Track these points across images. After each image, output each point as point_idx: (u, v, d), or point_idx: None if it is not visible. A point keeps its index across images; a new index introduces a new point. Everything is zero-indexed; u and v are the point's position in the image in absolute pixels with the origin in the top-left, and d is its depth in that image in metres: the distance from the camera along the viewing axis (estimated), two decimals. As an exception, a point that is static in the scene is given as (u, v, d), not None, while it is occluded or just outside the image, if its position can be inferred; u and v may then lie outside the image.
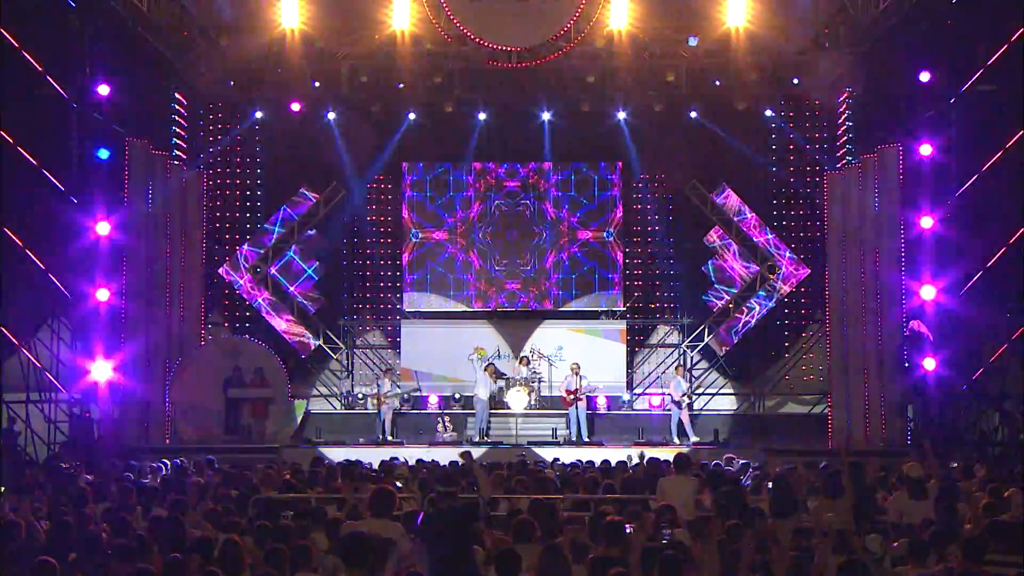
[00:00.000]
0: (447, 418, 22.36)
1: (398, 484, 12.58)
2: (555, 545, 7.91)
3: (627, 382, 23.88)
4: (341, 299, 24.64)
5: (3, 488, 12.72)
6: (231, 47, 21.70)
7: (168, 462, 15.49)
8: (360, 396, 23.68)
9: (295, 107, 22.90)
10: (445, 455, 16.67)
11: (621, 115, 23.41)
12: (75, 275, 20.20)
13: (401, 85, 22.17)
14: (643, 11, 21.02)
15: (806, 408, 23.79)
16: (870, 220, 20.91)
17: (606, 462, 15.81)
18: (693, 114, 23.06)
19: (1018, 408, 19.00)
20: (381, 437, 21.59)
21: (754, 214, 24.06)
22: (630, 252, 24.69)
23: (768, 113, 23.40)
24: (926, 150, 19.89)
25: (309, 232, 24.27)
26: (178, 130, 22.69)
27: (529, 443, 20.86)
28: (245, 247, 24.13)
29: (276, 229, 24.18)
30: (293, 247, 24.21)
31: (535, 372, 23.10)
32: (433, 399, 23.38)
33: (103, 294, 20.12)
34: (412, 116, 23.46)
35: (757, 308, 24.02)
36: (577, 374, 21.63)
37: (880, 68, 21.00)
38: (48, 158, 19.80)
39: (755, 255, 24.06)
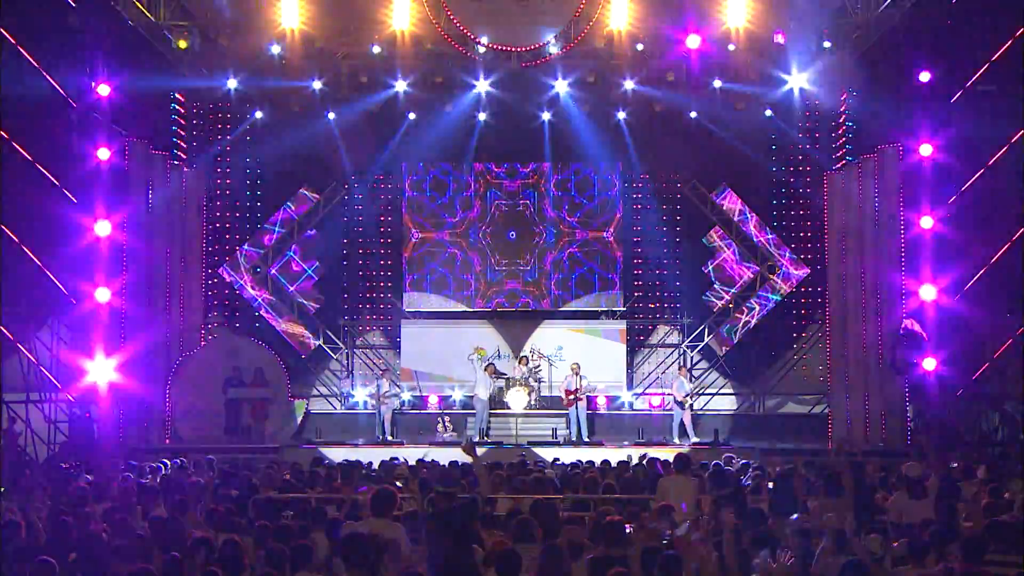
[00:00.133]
0: (447, 418, 22.36)
1: (398, 484, 12.58)
2: (555, 545, 7.91)
3: (627, 382, 23.88)
4: (341, 299, 24.64)
5: (3, 488, 12.71)
6: (231, 47, 21.69)
7: (168, 462, 15.48)
8: (356, 399, 23.65)
9: (295, 107, 22.88)
10: (445, 455, 16.67)
11: (621, 115, 23.40)
12: (75, 275, 20.21)
13: (401, 85, 22.15)
14: (643, 11, 21.02)
15: (806, 408, 23.79)
16: (870, 220, 20.91)
17: (606, 462, 15.82)
18: (693, 114, 23.05)
19: (1018, 408, 19.02)
20: (381, 437, 21.59)
21: (754, 214, 24.06)
22: (630, 252, 24.68)
23: (768, 113, 23.40)
24: (926, 150, 19.90)
25: (309, 232, 24.28)
26: (178, 130, 22.69)
27: (529, 443, 20.86)
28: (245, 247, 24.13)
29: (276, 229, 24.19)
30: (293, 247, 24.21)
31: (535, 372, 23.10)
32: (433, 399, 23.37)
33: (103, 294, 20.12)
34: (412, 116, 23.45)
35: (757, 308, 24.01)
36: (577, 374, 21.64)
37: (880, 68, 21.00)
38: (48, 158, 19.81)
39: (755, 255, 24.06)
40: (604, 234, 24.44)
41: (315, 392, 24.19)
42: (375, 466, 15.37)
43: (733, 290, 24.06)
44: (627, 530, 9.04)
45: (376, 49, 21.56)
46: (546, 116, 23.58)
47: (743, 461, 16.01)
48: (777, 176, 24.25)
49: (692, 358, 24.23)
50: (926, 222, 19.91)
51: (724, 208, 24.14)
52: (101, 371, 19.95)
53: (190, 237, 22.50)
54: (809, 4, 21.26)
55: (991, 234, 19.99)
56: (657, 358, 24.57)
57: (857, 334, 21.15)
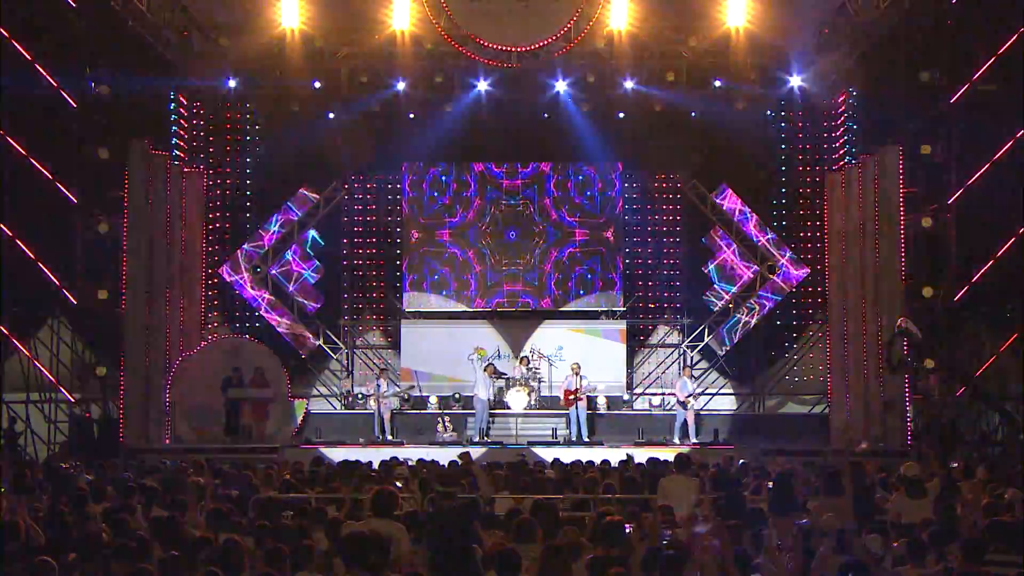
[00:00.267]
0: (447, 418, 22.35)
1: (398, 484, 12.58)
2: (555, 545, 7.91)
3: (627, 382, 23.87)
4: (341, 299, 24.63)
5: (3, 488, 12.70)
6: (231, 47, 21.70)
7: (168, 462, 15.48)
8: (360, 396, 23.64)
9: (295, 107, 22.88)
10: (445, 455, 16.67)
11: (621, 115, 23.40)
12: (75, 275, 20.24)
13: (401, 85, 22.16)
14: (643, 11, 21.02)
15: (806, 408, 23.79)
16: (870, 220, 20.90)
17: (606, 462, 15.81)
18: (693, 114, 23.04)
19: (1018, 408, 19.03)
20: (380, 437, 21.59)
21: (754, 214, 24.06)
22: (630, 252, 24.67)
23: (768, 113, 23.39)
24: (926, 150, 19.90)
25: (309, 232, 24.27)
26: (178, 130, 22.69)
27: (529, 443, 20.85)
28: (245, 247, 24.13)
29: (276, 229, 24.18)
30: (293, 247, 24.21)
31: (535, 372, 23.09)
32: (433, 399, 23.37)
33: (103, 294, 20.15)
34: (412, 116, 23.45)
35: (757, 308, 24.01)
36: (577, 374, 21.63)
37: (880, 68, 21.01)
38: (48, 158, 19.84)
39: (755, 255, 24.06)
40: (604, 234, 24.43)
41: (315, 392, 24.18)
42: (375, 466, 15.37)
43: (733, 290, 24.06)
44: (627, 530, 9.04)
45: (376, 49, 21.56)
46: (546, 116, 23.56)
47: (743, 461, 16.03)
48: (777, 176, 24.23)
49: (692, 358, 24.21)
50: (926, 222, 19.92)
51: (724, 208, 24.13)
52: (101, 371, 19.98)
53: (190, 237, 22.49)
54: (809, 4, 21.28)
55: (990, 234, 20.01)
56: (657, 358, 24.56)
57: (857, 334, 21.14)
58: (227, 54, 21.76)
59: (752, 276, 24.05)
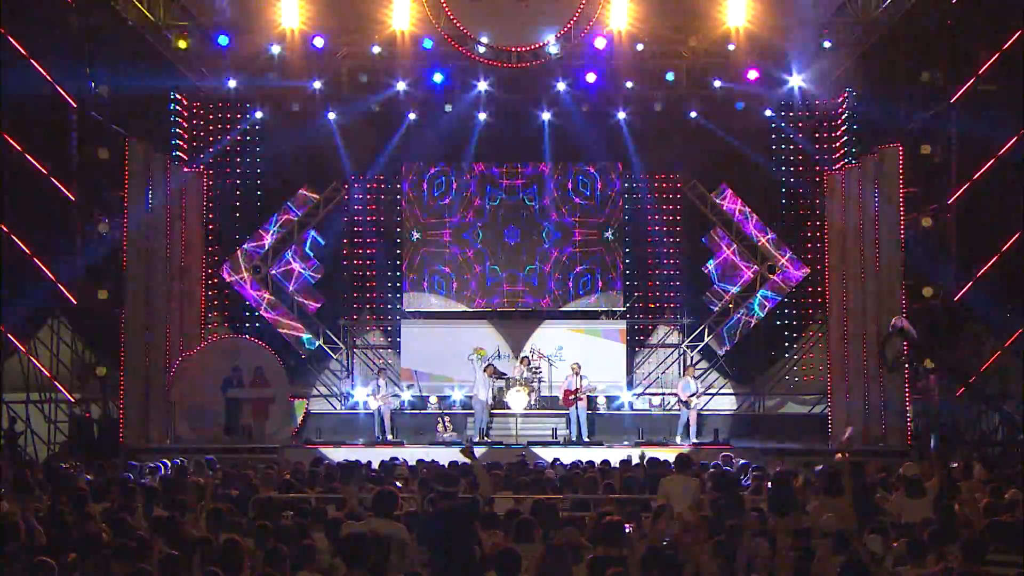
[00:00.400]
0: (447, 418, 22.35)
1: (398, 484, 12.59)
2: (555, 545, 7.92)
3: (627, 382, 23.87)
4: (341, 299, 24.62)
5: (3, 488, 12.71)
6: (231, 47, 21.70)
7: (168, 462, 15.48)
8: (350, 397, 23.61)
9: (295, 107, 22.88)
10: (445, 455, 16.67)
11: (621, 115, 23.39)
12: (75, 275, 20.24)
13: (401, 85, 22.16)
14: (643, 11, 21.02)
15: (806, 408, 23.78)
16: (870, 220, 20.89)
17: (606, 462, 15.81)
18: (693, 114, 23.04)
19: (1018, 408, 19.04)
20: (381, 437, 21.59)
21: (754, 214, 24.06)
22: (630, 252, 24.66)
23: (768, 113, 23.39)
24: (926, 150, 19.90)
25: (309, 232, 24.28)
26: (178, 130, 22.70)
27: (529, 443, 20.84)
28: (245, 247, 24.13)
29: (276, 229, 24.18)
30: (293, 247, 24.21)
31: (535, 372, 23.09)
32: (433, 399, 23.36)
33: (103, 294, 20.15)
34: (412, 116, 23.45)
35: (758, 310, 24.01)
36: (578, 374, 21.62)
37: (880, 68, 21.02)
38: (48, 158, 19.84)
39: (755, 255, 24.06)
40: (604, 234, 24.43)
41: (315, 392, 24.18)
42: (375, 466, 15.38)
43: (733, 290, 24.06)
44: (627, 530, 9.04)
45: (376, 49, 21.57)
46: (546, 116, 23.57)
47: (743, 461, 16.03)
48: (777, 176, 24.23)
49: (692, 358, 24.21)
50: (926, 222, 19.92)
51: (724, 208, 24.13)
52: (101, 371, 19.98)
53: (190, 237, 22.48)
54: (809, 4, 21.28)
55: (990, 234, 20.01)
56: (657, 358, 24.56)
57: (857, 334, 21.14)
58: (227, 54, 21.76)
59: (752, 276, 24.05)
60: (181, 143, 22.74)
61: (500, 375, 22.84)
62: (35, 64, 19.07)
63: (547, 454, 18.86)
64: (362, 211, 24.77)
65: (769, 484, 12.32)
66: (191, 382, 21.50)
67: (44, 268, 19.71)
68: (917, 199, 20.34)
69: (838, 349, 21.93)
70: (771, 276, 23.98)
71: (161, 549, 8.45)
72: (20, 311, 19.70)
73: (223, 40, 21.40)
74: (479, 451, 18.78)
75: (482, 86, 22.26)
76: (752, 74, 21.52)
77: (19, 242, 19.30)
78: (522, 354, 23.32)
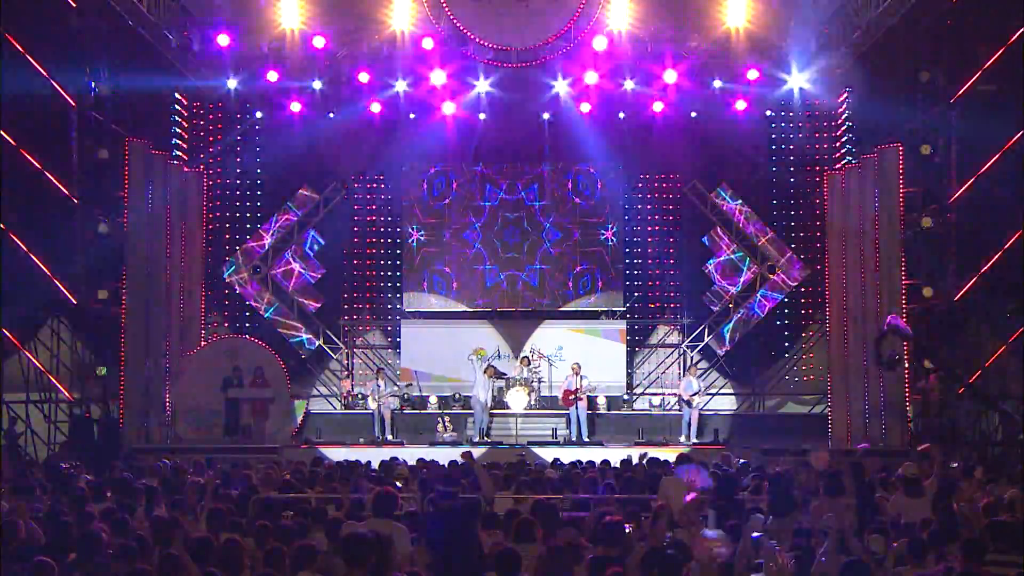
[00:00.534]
0: (447, 418, 22.35)
1: (398, 484, 12.58)
2: (556, 545, 7.91)
3: (627, 382, 23.87)
4: (341, 299, 24.63)
5: (3, 488, 12.72)
6: (231, 47, 21.70)
7: (168, 462, 15.48)
8: (360, 396, 23.61)
9: (295, 107, 22.88)
10: (445, 455, 16.67)
11: (620, 115, 23.40)
12: (75, 275, 20.23)
13: (401, 85, 22.15)
14: (643, 11, 21.04)
15: (806, 408, 23.79)
16: (870, 220, 20.89)
17: (606, 462, 15.81)
18: (693, 114, 23.04)
19: (1018, 408, 19.02)
20: (381, 437, 21.59)
21: (755, 214, 24.06)
22: (630, 252, 24.67)
23: (768, 113, 23.38)
24: (926, 150, 19.89)
25: (309, 232, 24.28)
26: (178, 130, 22.70)
27: (529, 443, 20.86)
28: (245, 247, 24.13)
29: (276, 229, 24.18)
30: (293, 247, 24.21)
31: (535, 372, 23.09)
32: (433, 399, 23.36)
33: (103, 294, 20.15)
34: (412, 116, 23.45)
35: (758, 310, 24.01)
36: (578, 374, 21.63)
37: (880, 68, 21.01)
38: (48, 158, 19.82)
39: (755, 255, 24.06)
40: (604, 234, 24.43)
41: (315, 392, 24.18)
42: (375, 466, 15.38)
43: (733, 290, 24.06)
44: (627, 530, 9.04)
45: (376, 49, 21.56)
46: (546, 116, 23.57)
47: (742, 461, 16.03)
48: (777, 176, 24.24)
49: (692, 358, 24.21)
50: (926, 222, 19.91)
51: (724, 208, 24.14)
52: (101, 371, 19.97)
53: (190, 237, 22.48)
54: (809, 4, 21.28)
55: (990, 234, 19.99)
56: (657, 358, 24.57)
57: (857, 334, 21.12)
58: (227, 54, 21.75)
59: (752, 276, 24.05)
60: (181, 143, 22.76)
61: (500, 375, 22.85)
62: (35, 64, 19.04)
63: (547, 454, 18.85)
64: (362, 211, 24.77)
65: (768, 484, 12.32)
66: (191, 382, 21.50)
67: (44, 268, 19.69)
68: (917, 199, 20.33)
69: (838, 349, 21.92)
70: (771, 276, 23.99)
71: (161, 549, 8.44)
72: (20, 311, 19.68)
73: (223, 40, 21.46)
74: (479, 451, 18.84)
75: (482, 86, 22.26)
76: (752, 74, 21.58)
77: (19, 242, 19.28)
78: (522, 354, 23.33)
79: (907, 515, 10.56)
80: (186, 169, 22.65)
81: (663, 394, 23.86)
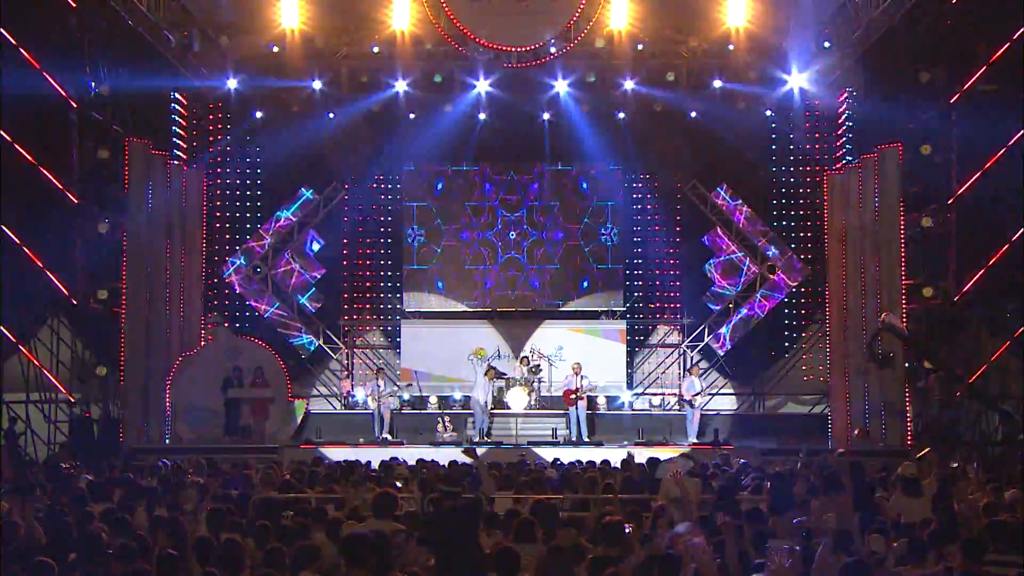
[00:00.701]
0: (447, 418, 22.34)
1: (398, 484, 12.58)
2: (556, 545, 7.91)
3: (627, 382, 23.87)
4: (341, 299, 24.63)
5: (3, 488, 12.71)
6: (231, 47, 21.70)
7: (168, 462, 15.48)
8: (352, 399, 23.59)
9: (295, 107, 22.87)
10: (445, 455, 16.67)
11: (621, 115, 23.40)
12: (75, 275, 20.22)
13: (401, 85, 22.14)
14: (643, 11, 21.03)
15: (806, 408, 23.79)
16: (870, 220, 20.89)
17: (606, 462, 15.79)
18: (693, 114, 23.04)
19: (1018, 408, 19.01)
20: (381, 437, 21.58)
21: (755, 215, 24.05)
22: (630, 252, 24.67)
23: (768, 113, 23.39)
24: (926, 150, 19.89)
25: (309, 232, 24.28)
26: (178, 130, 22.69)
27: (529, 443, 20.84)
28: (245, 246, 24.13)
29: (276, 229, 24.17)
30: (293, 247, 24.21)
31: (536, 372, 23.08)
32: (433, 399, 23.36)
33: (103, 294, 20.14)
34: (412, 116, 23.44)
35: (758, 310, 24.00)
36: (578, 374, 21.62)
37: (880, 68, 21.00)
38: (48, 158, 19.81)
39: (755, 255, 24.06)
40: (604, 234, 24.43)
41: (315, 392, 24.17)
42: (375, 466, 15.37)
43: (733, 290, 24.05)
44: (627, 530, 9.04)
45: (376, 49, 21.57)
46: (546, 116, 23.56)
47: (742, 461, 16.03)
48: (777, 176, 24.23)
49: (692, 358, 24.21)
50: (926, 222, 19.90)
51: (724, 208, 24.14)
52: (101, 371, 19.96)
53: (190, 237, 22.48)
54: (809, 4, 21.27)
55: (990, 234, 19.99)
56: (657, 358, 24.57)
57: (857, 334, 21.12)
58: (227, 54, 21.76)
59: (752, 276, 24.05)
60: (181, 143, 22.74)
61: (501, 375, 22.85)
62: (35, 64, 19.03)
63: (547, 454, 18.84)
64: (362, 211, 24.77)
65: (768, 484, 12.32)
66: (191, 382, 21.49)
67: (44, 268, 19.69)
68: (917, 199, 20.32)
69: (838, 349, 21.92)
70: (771, 276, 23.99)
71: (161, 549, 8.45)
72: (20, 311, 19.67)
73: (223, 40, 21.45)
74: (479, 451, 18.82)
75: (482, 86, 22.25)
76: (752, 74, 21.57)
77: (19, 242, 19.27)
78: (522, 354, 23.32)
79: (907, 515, 10.57)
80: (186, 169, 22.65)
81: (663, 394, 23.85)
